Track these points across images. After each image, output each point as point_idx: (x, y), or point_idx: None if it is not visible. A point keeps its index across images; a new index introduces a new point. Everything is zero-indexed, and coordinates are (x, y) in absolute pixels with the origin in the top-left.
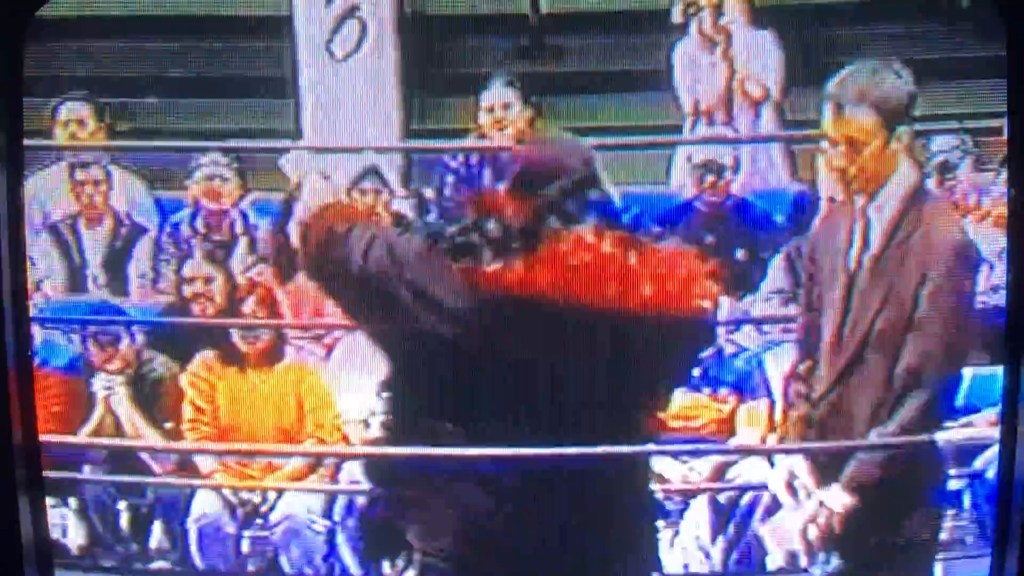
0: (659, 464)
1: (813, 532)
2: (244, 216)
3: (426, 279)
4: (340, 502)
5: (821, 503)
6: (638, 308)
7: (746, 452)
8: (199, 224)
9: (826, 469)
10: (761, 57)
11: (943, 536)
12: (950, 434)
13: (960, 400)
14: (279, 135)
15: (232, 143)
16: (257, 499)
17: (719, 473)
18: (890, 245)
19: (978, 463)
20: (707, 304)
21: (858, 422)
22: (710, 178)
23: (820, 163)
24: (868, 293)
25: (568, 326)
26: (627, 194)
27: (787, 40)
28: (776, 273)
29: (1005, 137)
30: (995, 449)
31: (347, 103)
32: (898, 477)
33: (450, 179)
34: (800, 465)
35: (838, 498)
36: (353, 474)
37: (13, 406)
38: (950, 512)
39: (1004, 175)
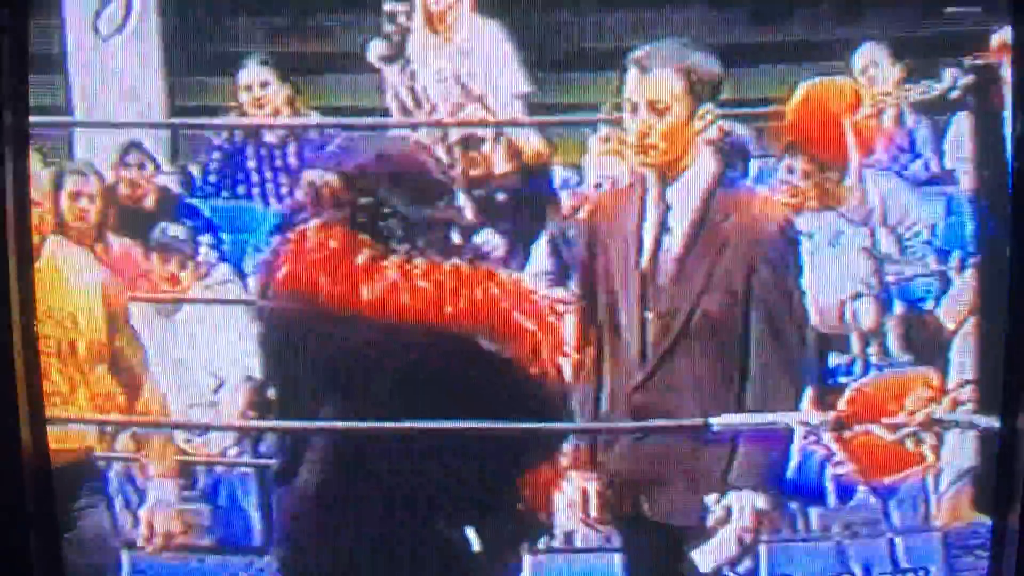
0: None
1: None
2: None
3: None
4: None
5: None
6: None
7: None
8: None
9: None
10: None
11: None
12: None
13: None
14: (51, 111)
15: None
16: None
17: None
18: (701, 231)
19: None
20: None
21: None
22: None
23: (592, 143)
24: (681, 277)
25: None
26: None
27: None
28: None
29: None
30: None
31: (113, 80)
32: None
33: (216, 155)
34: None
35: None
36: None
37: (19, 379)
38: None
39: (786, 160)
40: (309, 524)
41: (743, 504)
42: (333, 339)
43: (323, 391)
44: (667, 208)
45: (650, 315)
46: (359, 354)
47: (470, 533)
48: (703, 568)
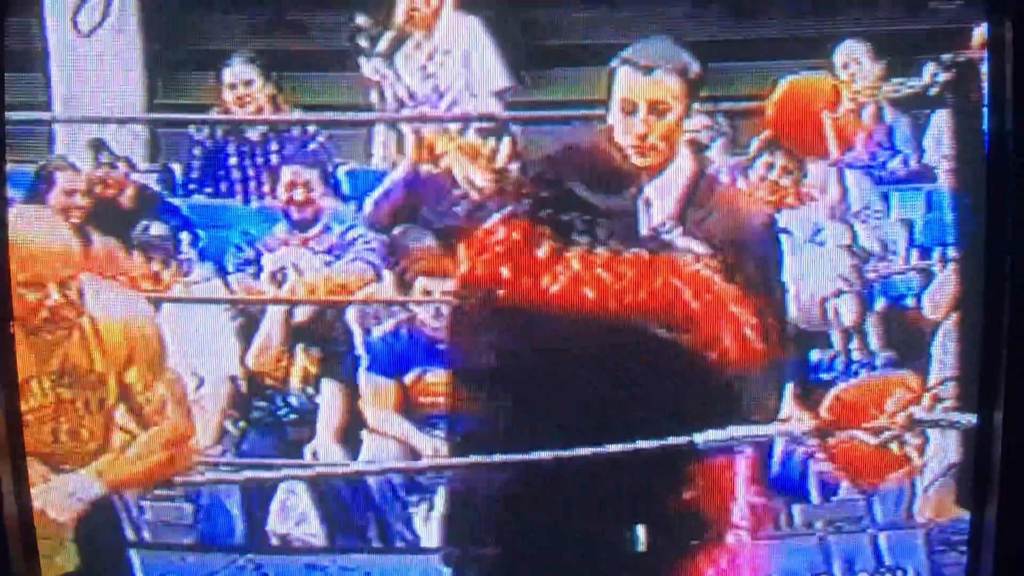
0: None
1: None
2: None
3: None
4: None
5: None
6: None
7: None
8: None
9: None
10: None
11: None
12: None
13: None
14: (32, 107)
15: None
16: None
17: None
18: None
19: None
20: None
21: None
22: None
23: None
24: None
25: None
26: None
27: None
28: None
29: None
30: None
31: (93, 77)
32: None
33: (197, 152)
34: None
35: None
36: None
37: None
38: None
39: (764, 157)
40: (479, 521)
41: None
42: (515, 335)
43: (502, 386)
44: (647, 205)
45: None
46: (538, 348)
47: (639, 531)
48: None
